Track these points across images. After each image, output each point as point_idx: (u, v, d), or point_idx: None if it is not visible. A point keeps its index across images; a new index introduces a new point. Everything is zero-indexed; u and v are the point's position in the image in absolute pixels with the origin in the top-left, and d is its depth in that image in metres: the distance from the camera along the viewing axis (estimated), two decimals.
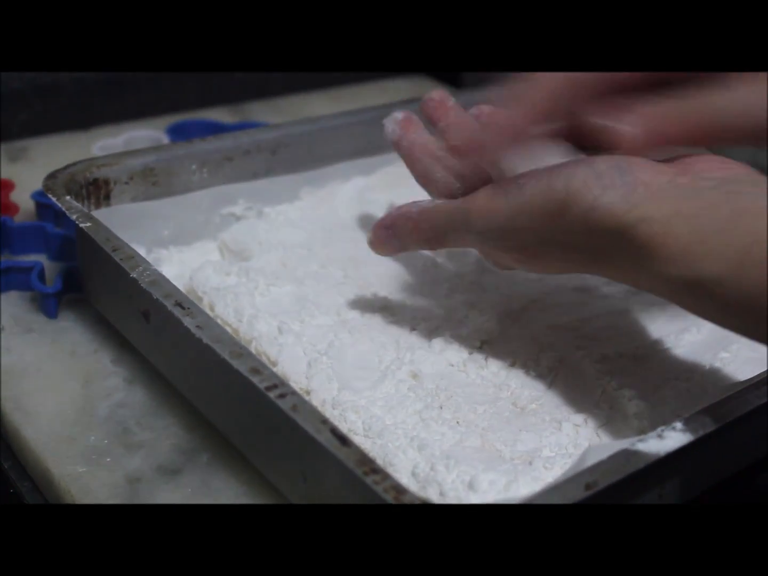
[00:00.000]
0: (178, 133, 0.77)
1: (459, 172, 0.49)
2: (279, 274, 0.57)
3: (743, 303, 0.37)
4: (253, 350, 0.51)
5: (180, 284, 0.57)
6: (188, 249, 0.61)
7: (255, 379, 0.42)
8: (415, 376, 0.50)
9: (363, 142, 0.67)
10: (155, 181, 0.59)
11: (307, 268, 0.58)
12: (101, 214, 0.57)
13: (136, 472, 0.47)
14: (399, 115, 0.55)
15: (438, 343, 0.52)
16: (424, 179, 0.52)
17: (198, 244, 0.61)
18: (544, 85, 0.45)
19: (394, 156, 0.68)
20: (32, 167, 0.74)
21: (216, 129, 0.78)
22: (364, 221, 0.65)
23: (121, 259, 0.49)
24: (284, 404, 0.41)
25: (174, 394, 0.52)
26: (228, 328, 0.53)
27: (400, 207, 0.49)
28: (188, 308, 0.46)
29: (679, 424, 0.42)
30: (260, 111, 0.86)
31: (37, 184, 0.57)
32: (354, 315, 0.54)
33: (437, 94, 0.55)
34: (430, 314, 0.55)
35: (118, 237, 0.51)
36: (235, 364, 0.43)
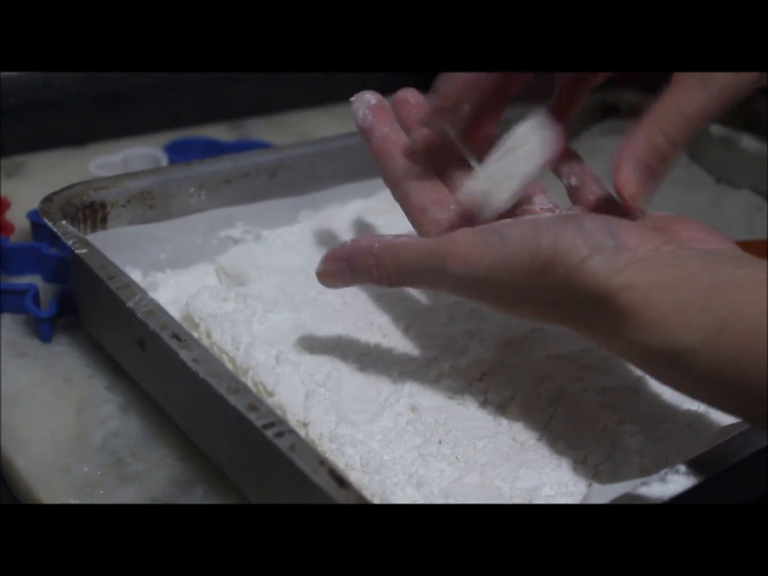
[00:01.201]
0: (177, 151, 0.76)
1: (442, 201, 0.48)
2: (277, 300, 0.57)
3: (718, 375, 0.37)
4: (250, 380, 0.51)
5: (176, 309, 0.57)
6: (185, 272, 0.60)
7: (252, 416, 0.41)
8: (414, 409, 0.50)
9: (362, 164, 0.66)
10: (153, 204, 0.58)
11: (305, 294, 0.57)
12: (97, 237, 0.57)
13: None
14: (371, 98, 0.52)
15: (437, 374, 0.52)
16: (393, 182, 0.50)
17: (195, 268, 0.61)
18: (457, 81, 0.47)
19: None
20: (29, 184, 0.73)
21: (214, 147, 0.78)
22: None
23: (117, 288, 0.48)
24: (282, 443, 0.40)
25: (169, 423, 0.51)
26: (225, 357, 0.53)
27: (357, 240, 0.46)
28: (185, 340, 0.45)
29: (682, 467, 0.41)
30: (259, 128, 0.86)
31: (34, 202, 0.56)
32: (352, 344, 0.54)
33: (412, 96, 0.53)
34: (429, 344, 0.54)
35: (114, 264, 0.50)
36: (232, 400, 0.42)
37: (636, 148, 0.45)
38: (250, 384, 0.51)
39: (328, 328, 0.55)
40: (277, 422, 0.41)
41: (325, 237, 0.64)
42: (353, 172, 0.66)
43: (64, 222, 0.53)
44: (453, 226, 0.47)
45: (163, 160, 0.74)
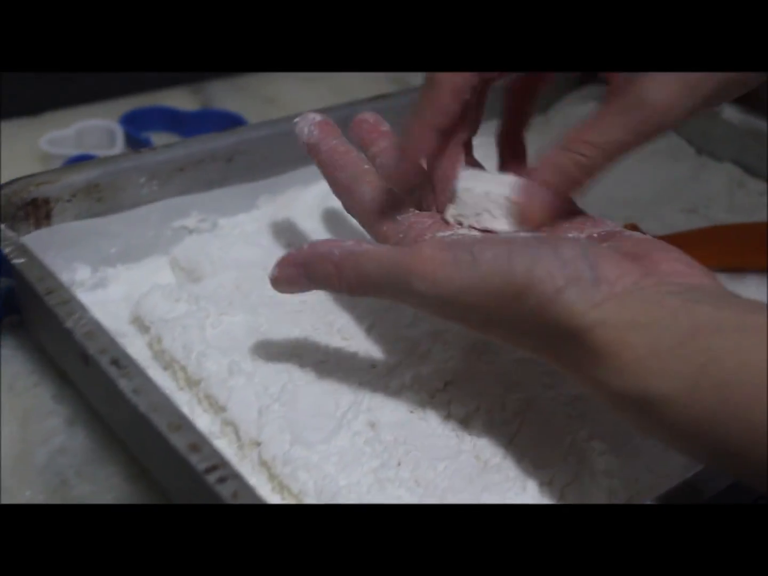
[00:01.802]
0: (133, 122, 0.73)
1: (398, 206, 0.46)
2: (232, 299, 0.54)
3: (693, 428, 0.34)
4: (202, 392, 0.49)
5: (127, 308, 0.54)
6: (137, 266, 0.58)
7: (193, 459, 0.39)
8: (372, 425, 0.47)
9: None
10: (100, 197, 0.55)
11: (262, 292, 0.54)
12: (41, 235, 0.54)
13: None
14: (316, 116, 0.51)
15: (398, 385, 0.49)
16: (345, 192, 0.48)
17: (148, 261, 0.58)
18: (446, 87, 0.43)
19: None
20: None
21: (174, 118, 0.74)
22: (326, 231, 0.61)
23: (55, 305, 0.46)
24: (224, 489, 0.38)
25: (116, 439, 0.49)
26: (176, 365, 0.50)
27: (315, 244, 0.43)
28: (125, 367, 0.42)
29: (648, 501, 0.39)
30: (223, 91, 0.82)
31: None
32: (310, 350, 0.51)
33: (371, 116, 0.51)
34: (391, 348, 0.52)
35: (54, 276, 0.48)
36: (173, 438, 0.39)
37: (545, 174, 0.44)
38: (201, 397, 0.49)
39: (285, 331, 0.52)
40: (220, 465, 0.38)
41: (285, 223, 0.61)
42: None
43: (2, 225, 0.50)
44: (416, 233, 0.45)
45: (119, 133, 0.71)
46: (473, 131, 0.49)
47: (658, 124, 0.42)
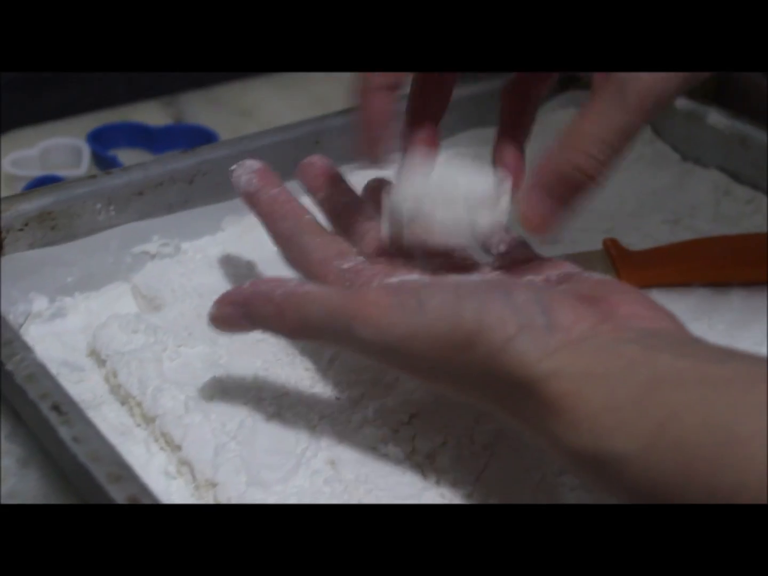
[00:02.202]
0: (100, 140, 0.71)
1: (344, 253, 0.44)
2: (192, 329, 0.52)
3: (652, 490, 0.32)
4: (157, 430, 0.47)
5: (86, 339, 0.53)
6: (97, 295, 0.56)
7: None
8: (332, 463, 0.45)
9: (292, 162, 0.60)
10: (54, 224, 0.53)
11: None
12: None
13: None
14: (254, 164, 0.49)
15: (361, 419, 0.47)
16: (287, 243, 0.46)
17: (108, 288, 0.56)
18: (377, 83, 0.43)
19: None
20: None
21: (143, 134, 0.72)
22: None
23: None
24: None
25: (68, 483, 0.47)
26: (132, 401, 0.48)
27: (257, 283, 0.41)
28: (66, 413, 0.41)
29: None
30: (196, 104, 0.80)
31: None
32: (270, 383, 0.49)
33: (318, 159, 0.49)
34: (355, 378, 0.49)
35: None
36: (112, 491, 0.38)
37: (543, 180, 0.41)
38: (158, 434, 0.47)
39: (245, 363, 0.50)
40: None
41: (250, 245, 0.59)
42: (282, 171, 0.60)
43: None
44: (363, 280, 0.42)
45: (86, 152, 0.69)
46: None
47: (654, 97, 0.40)
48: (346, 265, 0.44)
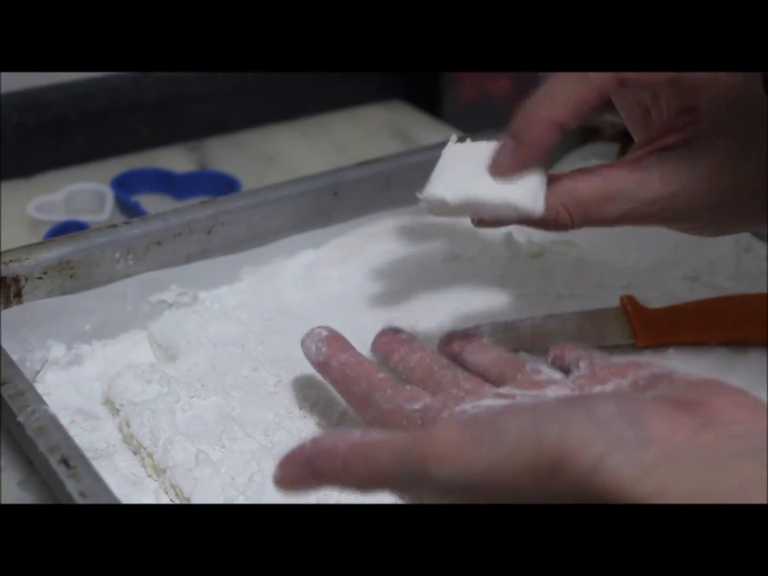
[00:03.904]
0: (124, 185, 0.72)
1: (415, 396, 0.43)
2: (206, 380, 0.52)
3: None
4: (167, 481, 0.47)
5: (101, 387, 0.53)
6: (114, 342, 0.56)
7: None
8: None
9: (310, 213, 0.61)
10: (73, 273, 0.54)
11: (238, 372, 0.53)
12: (11, 313, 0.53)
13: None
14: (323, 331, 0.49)
15: None
16: (362, 404, 0.46)
17: (125, 336, 0.56)
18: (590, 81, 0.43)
19: (348, 225, 0.63)
20: None
21: (167, 180, 0.73)
22: (311, 303, 0.59)
23: (9, 396, 0.44)
24: None
25: None
26: (143, 452, 0.49)
27: (319, 439, 0.37)
28: (74, 467, 0.41)
29: None
30: (220, 149, 0.80)
31: None
32: (282, 436, 0.49)
33: (390, 329, 0.50)
34: None
35: (13, 363, 0.46)
36: None
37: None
38: (168, 486, 0.47)
39: (257, 415, 0.50)
40: None
41: (267, 295, 0.59)
42: (300, 222, 0.61)
43: None
44: (433, 413, 0.42)
45: (109, 197, 0.70)
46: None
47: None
48: (417, 406, 0.43)
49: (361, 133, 0.84)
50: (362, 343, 0.54)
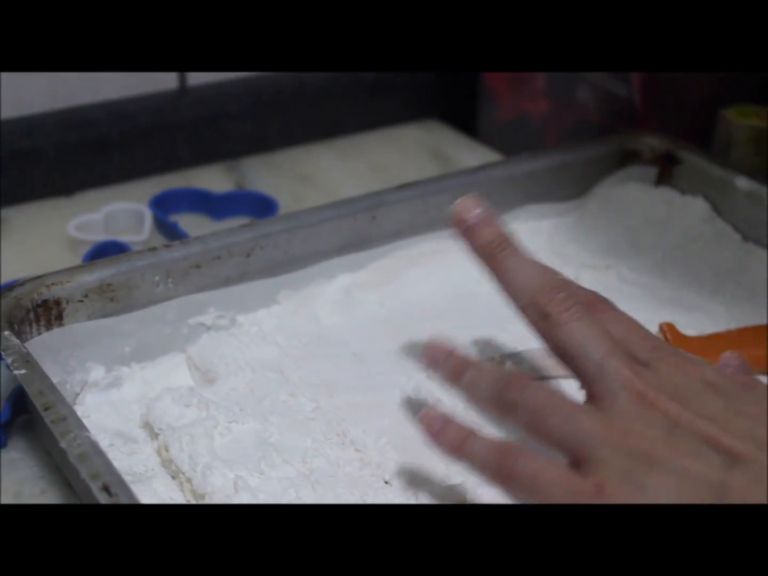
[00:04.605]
0: (163, 205, 0.72)
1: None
2: (244, 404, 0.52)
3: None
4: None
5: (140, 410, 0.53)
6: (153, 365, 0.56)
7: None
8: None
9: (348, 237, 0.61)
10: (113, 296, 0.54)
11: (276, 397, 0.53)
12: (53, 335, 0.53)
13: None
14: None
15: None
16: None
17: (164, 359, 0.57)
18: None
19: (385, 249, 0.63)
20: (6, 244, 0.69)
21: (205, 200, 0.73)
22: (348, 327, 0.59)
23: (51, 421, 0.44)
24: None
25: None
26: (182, 476, 0.49)
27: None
28: (115, 494, 0.41)
29: None
30: (258, 169, 0.81)
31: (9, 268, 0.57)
32: (320, 463, 0.49)
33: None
34: (410, 464, 0.49)
35: (55, 389, 0.46)
36: None
37: None
38: None
39: (295, 440, 0.50)
40: None
41: (305, 319, 0.59)
42: (338, 246, 0.61)
43: (6, 333, 0.49)
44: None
45: (148, 217, 0.70)
46: None
47: None
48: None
49: (397, 153, 0.84)
50: (399, 369, 0.54)
